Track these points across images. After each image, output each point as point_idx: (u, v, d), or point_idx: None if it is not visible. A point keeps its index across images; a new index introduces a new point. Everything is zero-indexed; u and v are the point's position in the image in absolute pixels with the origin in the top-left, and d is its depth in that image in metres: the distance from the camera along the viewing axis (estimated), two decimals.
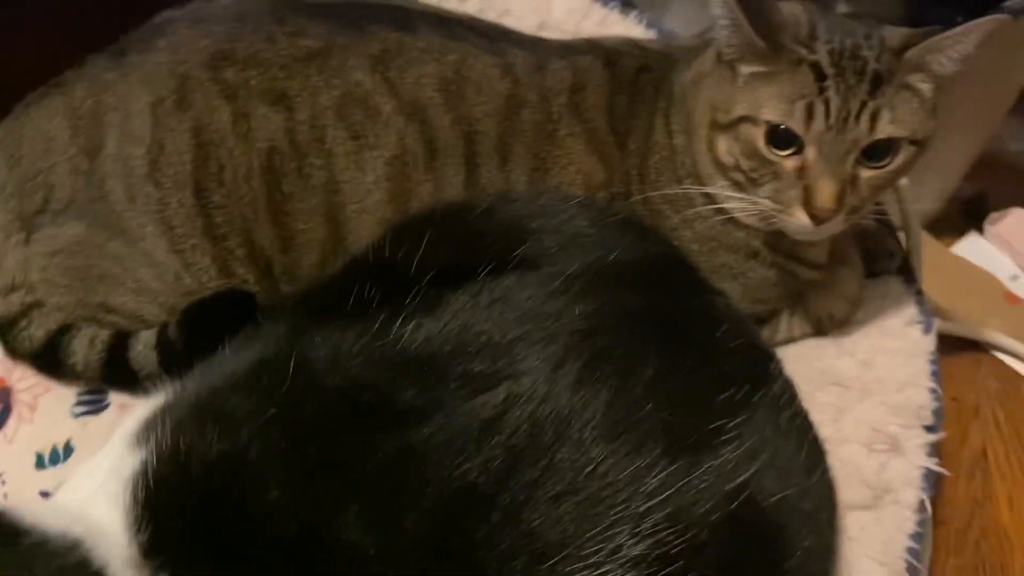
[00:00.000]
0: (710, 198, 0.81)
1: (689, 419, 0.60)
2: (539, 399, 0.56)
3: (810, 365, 0.86)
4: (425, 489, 0.53)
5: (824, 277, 0.89)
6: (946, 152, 1.07)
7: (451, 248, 0.66)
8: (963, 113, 1.03)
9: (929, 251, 1.04)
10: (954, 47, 0.73)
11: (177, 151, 0.77)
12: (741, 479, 0.59)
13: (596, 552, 0.53)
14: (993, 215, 1.25)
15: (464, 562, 0.52)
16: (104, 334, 0.80)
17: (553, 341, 0.59)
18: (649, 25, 1.07)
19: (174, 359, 0.76)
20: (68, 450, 0.78)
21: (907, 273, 0.96)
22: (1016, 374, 1.11)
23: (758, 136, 0.75)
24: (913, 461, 0.80)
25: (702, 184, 0.81)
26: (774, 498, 0.60)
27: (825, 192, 0.73)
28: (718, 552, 0.56)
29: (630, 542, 0.54)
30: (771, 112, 0.74)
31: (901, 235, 0.98)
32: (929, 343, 0.89)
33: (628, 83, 0.86)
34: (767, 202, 0.76)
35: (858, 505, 0.75)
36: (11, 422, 0.79)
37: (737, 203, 0.79)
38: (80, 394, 0.81)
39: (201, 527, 0.53)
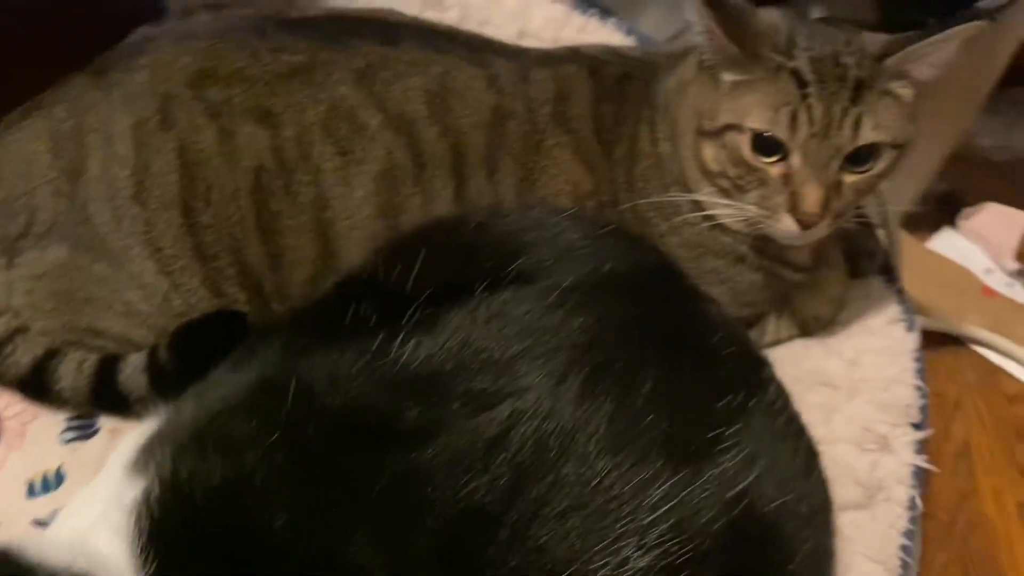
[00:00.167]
0: (697, 205, 0.82)
1: (689, 428, 0.60)
2: (543, 415, 0.56)
3: (798, 366, 0.87)
4: (432, 510, 0.53)
5: (809, 279, 0.90)
6: (921, 151, 1.08)
7: (446, 265, 0.66)
8: (938, 112, 1.04)
9: (905, 247, 1.06)
10: (934, 54, 0.74)
11: (163, 171, 0.76)
12: (741, 486, 0.59)
13: (604, 566, 0.53)
14: (967, 210, 1.28)
15: None
16: (92, 358, 0.79)
17: (553, 356, 0.59)
18: (628, 32, 1.07)
19: (165, 382, 0.75)
20: (59, 477, 0.76)
21: (888, 272, 0.97)
22: (995, 367, 1.14)
23: (744, 144, 0.75)
24: (903, 459, 0.81)
25: (689, 191, 0.82)
26: (774, 504, 0.60)
27: (811, 198, 0.74)
28: (721, 560, 0.57)
29: (636, 554, 0.54)
30: (756, 120, 0.74)
31: (880, 233, 1.00)
32: (912, 341, 0.91)
33: (612, 91, 0.87)
34: (754, 208, 0.77)
35: (852, 504, 0.76)
36: (0, 450, 0.78)
37: (724, 209, 0.80)
38: (69, 419, 0.80)
39: (208, 557, 0.52)
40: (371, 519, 0.52)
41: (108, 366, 0.78)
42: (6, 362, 0.79)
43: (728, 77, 0.77)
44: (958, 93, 1.10)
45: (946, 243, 1.26)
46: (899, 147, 0.77)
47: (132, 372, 0.77)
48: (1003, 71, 1.14)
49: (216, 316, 0.76)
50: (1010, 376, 1.13)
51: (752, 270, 0.85)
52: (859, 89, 0.73)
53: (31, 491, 0.76)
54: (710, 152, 0.79)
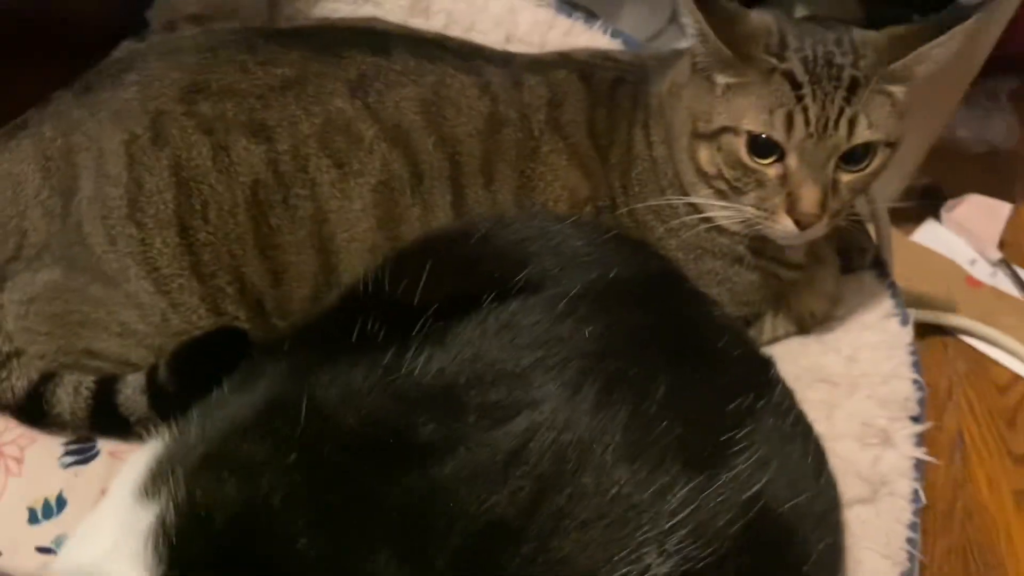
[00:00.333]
0: (694, 207, 0.82)
1: (702, 433, 0.61)
2: (560, 426, 0.56)
3: (797, 364, 0.87)
4: (454, 526, 0.53)
5: (804, 277, 0.91)
6: (906, 145, 1.10)
7: (453, 277, 0.66)
8: (921, 106, 1.06)
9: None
10: (940, 53, 0.75)
11: (157, 189, 0.75)
12: (755, 489, 0.60)
13: (627, 574, 0.54)
14: (949, 202, 1.29)
15: None
16: (89, 380, 0.77)
17: (566, 366, 0.59)
18: (614, 35, 1.07)
19: (166, 402, 0.74)
20: (61, 502, 0.75)
21: (880, 267, 0.98)
22: (983, 356, 1.15)
23: (740, 146, 0.76)
24: (904, 452, 0.82)
25: (685, 194, 0.82)
26: (788, 505, 0.61)
27: (809, 198, 0.74)
28: (740, 563, 0.57)
29: (658, 561, 0.54)
30: (751, 122, 0.75)
31: (869, 228, 1.01)
32: (907, 335, 0.92)
33: (605, 96, 0.87)
34: (751, 209, 0.77)
35: (856, 500, 0.77)
36: None
37: (721, 211, 0.80)
38: (67, 443, 0.78)
39: None
40: (393, 538, 0.52)
41: (106, 388, 0.77)
42: (1, 387, 0.77)
43: (722, 79, 0.77)
44: (941, 86, 1.12)
45: (930, 235, 1.28)
46: (892, 145, 0.77)
47: (131, 393, 0.76)
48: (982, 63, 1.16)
49: (217, 334, 0.75)
50: (999, 365, 1.14)
51: (750, 270, 0.86)
52: (854, 89, 0.74)
53: (33, 518, 0.74)
54: (706, 154, 0.79)
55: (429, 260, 0.66)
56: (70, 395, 0.77)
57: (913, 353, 0.90)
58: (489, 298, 0.64)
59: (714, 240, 0.84)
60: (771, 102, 0.74)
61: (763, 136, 0.74)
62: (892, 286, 0.96)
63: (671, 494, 0.57)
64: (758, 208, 0.77)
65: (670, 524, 0.55)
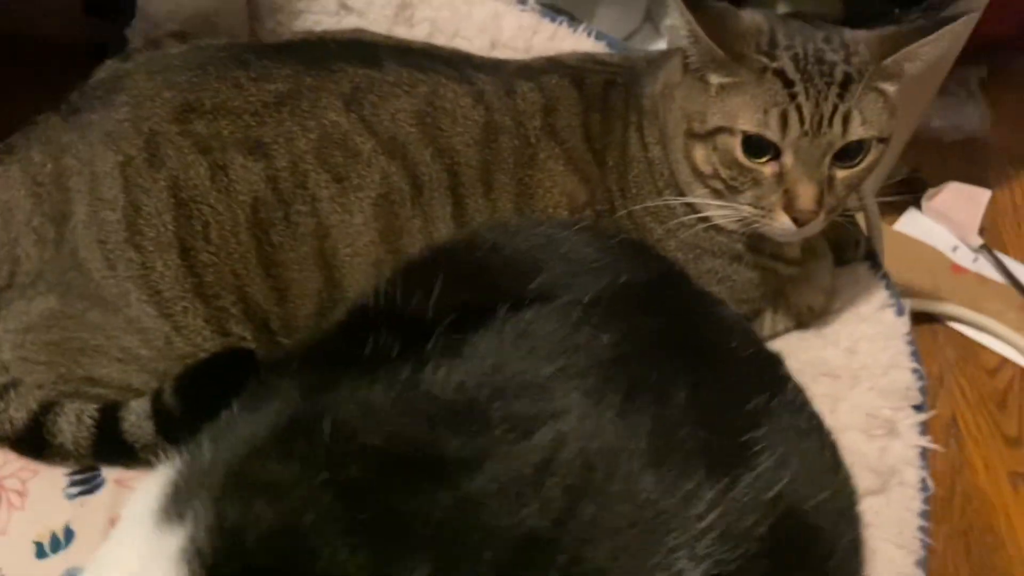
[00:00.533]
0: (691, 207, 0.82)
1: (723, 435, 0.61)
2: (587, 436, 0.56)
3: (798, 359, 0.87)
4: (489, 539, 0.52)
5: (800, 271, 0.92)
6: None
7: (465, 288, 0.65)
8: (901, 99, 1.07)
9: None
10: (930, 51, 0.76)
11: (156, 212, 0.74)
12: (778, 488, 0.60)
13: None
14: (930, 191, 1.31)
15: None
16: (91, 408, 0.76)
17: (588, 374, 0.59)
18: (598, 38, 1.07)
19: (173, 427, 0.73)
20: (69, 534, 0.74)
21: (872, 258, 0.99)
22: (971, 341, 1.17)
23: (735, 146, 0.76)
24: (909, 441, 0.83)
25: (682, 194, 0.83)
26: (811, 502, 0.61)
27: (805, 195, 0.75)
28: (768, 563, 0.57)
29: (690, 566, 0.54)
30: (746, 122, 0.75)
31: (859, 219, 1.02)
32: (903, 325, 0.93)
33: (598, 100, 0.87)
34: (748, 208, 0.78)
35: (868, 491, 0.77)
36: (1, 512, 0.75)
37: (718, 210, 0.81)
38: (71, 474, 0.77)
39: None
40: (430, 554, 0.51)
41: (110, 415, 0.75)
42: None
43: (715, 79, 0.78)
44: (921, 77, 1.13)
45: (912, 224, 1.30)
46: (884, 140, 0.78)
47: (136, 419, 0.75)
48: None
49: (223, 356, 0.74)
50: (987, 349, 1.17)
51: (748, 267, 0.86)
52: (846, 86, 0.74)
53: (40, 552, 0.73)
54: (701, 154, 0.79)
55: (440, 272, 0.65)
56: (72, 424, 0.75)
57: (911, 343, 0.91)
58: (504, 308, 0.63)
59: (712, 239, 0.84)
60: (765, 101, 0.75)
61: (758, 136, 0.75)
62: (885, 277, 0.97)
63: (697, 498, 0.57)
64: (755, 207, 0.77)
65: (699, 528, 0.56)
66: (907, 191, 1.32)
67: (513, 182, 0.82)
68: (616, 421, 0.57)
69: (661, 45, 1.50)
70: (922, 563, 0.76)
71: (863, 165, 0.77)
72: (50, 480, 0.76)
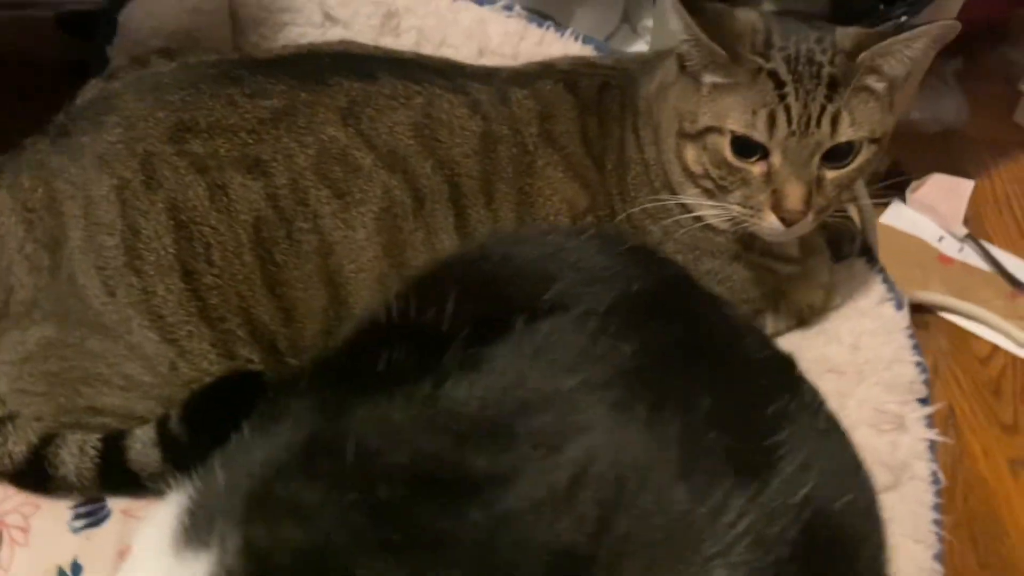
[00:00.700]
0: (685, 207, 0.83)
1: (748, 440, 0.60)
2: (617, 449, 0.55)
3: (803, 357, 0.86)
4: (525, 557, 0.51)
5: (799, 270, 0.92)
6: None
7: (479, 301, 0.64)
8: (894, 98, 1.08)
9: None
10: (903, 51, 0.76)
11: (156, 235, 0.72)
12: (805, 491, 0.60)
13: None
14: (914, 183, 1.32)
15: None
16: (93, 438, 0.74)
17: (611, 386, 0.58)
18: (585, 41, 1.07)
19: (181, 453, 0.71)
20: (77, 569, 0.72)
21: (868, 253, 1.00)
22: (963, 331, 1.18)
23: (724, 145, 0.76)
24: (917, 435, 0.84)
25: (674, 193, 0.82)
26: (837, 504, 0.61)
27: (793, 195, 0.75)
28: (800, 567, 0.57)
29: (725, 575, 0.54)
30: (735, 122, 0.75)
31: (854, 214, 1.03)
32: (903, 318, 0.94)
33: (593, 103, 0.87)
34: (738, 208, 0.78)
35: (883, 488, 0.77)
36: (3, 550, 0.72)
37: (709, 210, 0.81)
38: (75, 506, 0.75)
39: None
40: (466, 573, 0.50)
41: (114, 445, 0.74)
42: None
43: (708, 79, 0.78)
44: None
45: (897, 217, 1.30)
46: (877, 140, 0.78)
47: (142, 448, 0.73)
48: None
49: (230, 379, 0.73)
50: (978, 337, 1.18)
51: (748, 267, 0.87)
52: (833, 86, 0.74)
53: None
54: (692, 154, 0.79)
55: (454, 284, 0.64)
56: (75, 456, 0.73)
57: (911, 336, 0.92)
58: (520, 320, 0.63)
59: (711, 239, 0.84)
60: (755, 102, 0.75)
61: (745, 136, 0.75)
62: (882, 271, 0.98)
63: (728, 506, 0.56)
64: (744, 206, 0.78)
65: (732, 536, 0.55)
66: (891, 183, 1.33)
67: (513, 191, 0.82)
68: (644, 432, 0.56)
69: (639, 46, 1.50)
70: (939, 557, 0.76)
71: (854, 166, 0.77)
72: (53, 514, 0.74)
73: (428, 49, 1.03)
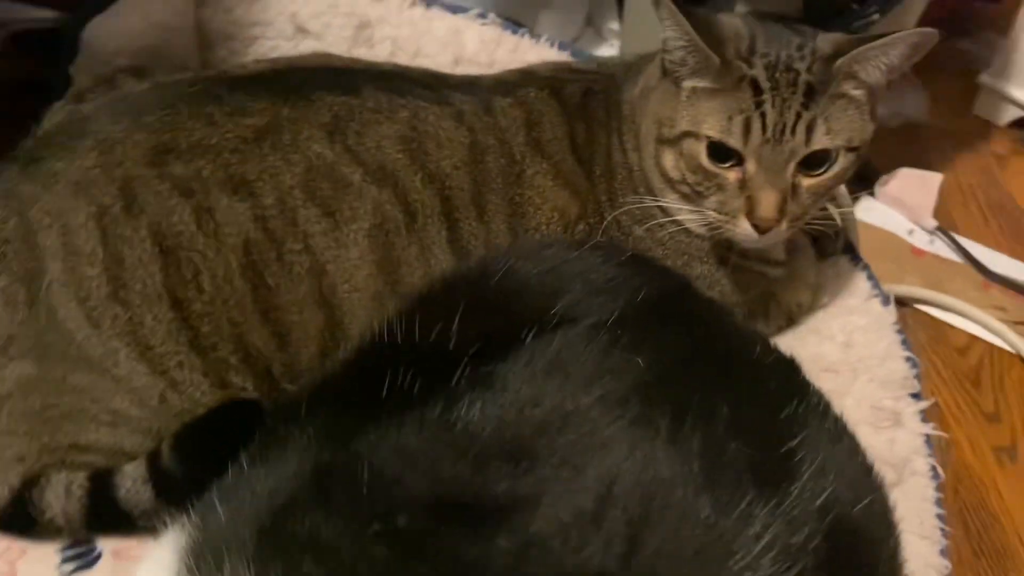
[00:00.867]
0: (665, 211, 0.82)
1: (766, 449, 0.60)
2: (641, 465, 0.54)
3: (798, 357, 0.87)
4: None
5: (786, 271, 0.92)
6: None
7: (485, 318, 0.63)
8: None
9: None
10: (880, 57, 0.75)
11: (140, 262, 0.69)
12: (824, 497, 0.59)
13: None
14: (882, 177, 1.34)
15: None
16: (80, 477, 0.71)
17: (630, 401, 0.57)
18: (561, 47, 1.06)
19: (175, 489, 0.69)
20: None
21: (850, 250, 1.01)
22: (941, 322, 1.20)
23: (700, 151, 0.76)
24: (914, 430, 0.85)
25: (656, 198, 0.82)
26: (856, 507, 0.61)
27: (766, 203, 0.74)
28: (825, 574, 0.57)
29: None
30: (710, 128, 0.75)
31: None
32: (890, 314, 0.95)
33: (579, 109, 0.86)
34: (713, 214, 0.78)
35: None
36: None
37: (687, 215, 0.81)
38: (64, 548, 0.72)
39: None
40: None
41: (102, 483, 0.70)
42: None
43: (690, 84, 0.77)
44: None
45: (868, 211, 1.31)
46: (855, 149, 0.78)
47: (133, 485, 0.70)
48: None
49: (224, 408, 0.70)
50: (955, 328, 1.19)
51: (736, 271, 0.86)
52: (811, 94, 0.74)
53: None
54: (670, 159, 0.79)
55: (459, 303, 0.62)
56: (61, 498, 0.70)
57: (900, 331, 0.93)
58: (530, 335, 0.61)
59: (697, 245, 0.84)
60: (731, 108, 0.75)
61: (721, 142, 0.75)
62: (866, 268, 0.99)
63: (753, 517, 0.55)
64: (719, 212, 0.77)
65: (759, 547, 0.54)
66: (860, 179, 1.35)
67: (504, 202, 0.80)
68: (667, 447, 0.55)
69: (606, 49, 1.50)
70: (945, 552, 0.76)
71: (830, 174, 0.77)
72: (41, 559, 0.71)
73: (403, 59, 1.01)
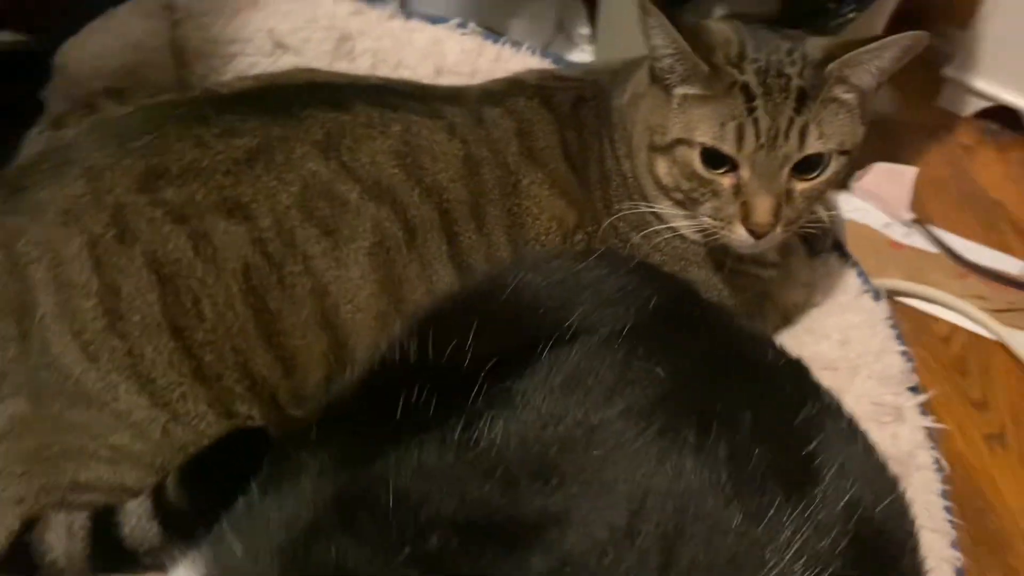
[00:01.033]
0: (660, 217, 0.82)
1: (788, 453, 0.60)
2: (670, 477, 0.54)
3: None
4: None
5: (780, 272, 0.92)
6: None
7: (499, 334, 0.62)
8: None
9: None
10: (872, 61, 0.76)
11: (138, 292, 0.67)
12: (846, 499, 0.59)
13: None
14: (857, 172, 1.35)
15: None
16: (81, 517, 0.68)
17: (654, 412, 0.57)
18: (543, 56, 1.06)
19: (183, 524, 0.66)
20: None
21: (839, 248, 1.01)
22: (922, 313, 1.21)
23: (694, 157, 0.76)
24: (915, 424, 0.85)
25: (650, 204, 0.82)
26: (877, 508, 0.61)
27: (762, 208, 0.74)
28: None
29: None
30: (703, 134, 0.75)
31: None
32: (882, 309, 0.95)
33: (570, 117, 0.85)
34: (708, 220, 0.78)
35: None
36: None
37: (682, 221, 0.81)
38: None
39: None
40: None
41: (105, 521, 0.68)
42: None
43: (680, 91, 0.77)
44: None
45: (844, 207, 1.33)
46: (847, 152, 0.78)
47: (138, 522, 0.68)
48: None
49: (230, 438, 0.68)
50: (937, 319, 1.21)
51: (733, 275, 0.86)
52: (802, 98, 0.74)
53: None
54: (663, 167, 0.79)
55: (474, 318, 0.62)
56: (63, 539, 0.68)
57: (894, 326, 0.94)
58: (545, 349, 0.61)
59: (693, 250, 0.84)
60: (724, 115, 0.74)
61: (714, 148, 0.74)
62: (856, 265, 1.00)
63: (781, 523, 0.55)
64: (714, 218, 0.77)
65: (790, 553, 0.54)
66: None
67: (503, 213, 0.80)
68: (695, 457, 0.55)
69: (577, 54, 1.50)
70: (955, 544, 0.77)
71: (823, 178, 0.77)
72: None
73: (384, 71, 1.00)
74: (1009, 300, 1.22)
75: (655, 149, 0.79)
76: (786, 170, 0.75)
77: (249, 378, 0.69)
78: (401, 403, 0.60)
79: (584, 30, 1.52)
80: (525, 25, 1.50)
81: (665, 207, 0.81)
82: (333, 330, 0.71)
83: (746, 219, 0.75)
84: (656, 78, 0.79)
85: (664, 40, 0.75)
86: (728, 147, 0.74)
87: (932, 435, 0.85)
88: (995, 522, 0.99)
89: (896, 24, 1.32)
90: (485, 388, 0.59)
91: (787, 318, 0.94)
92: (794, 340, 0.91)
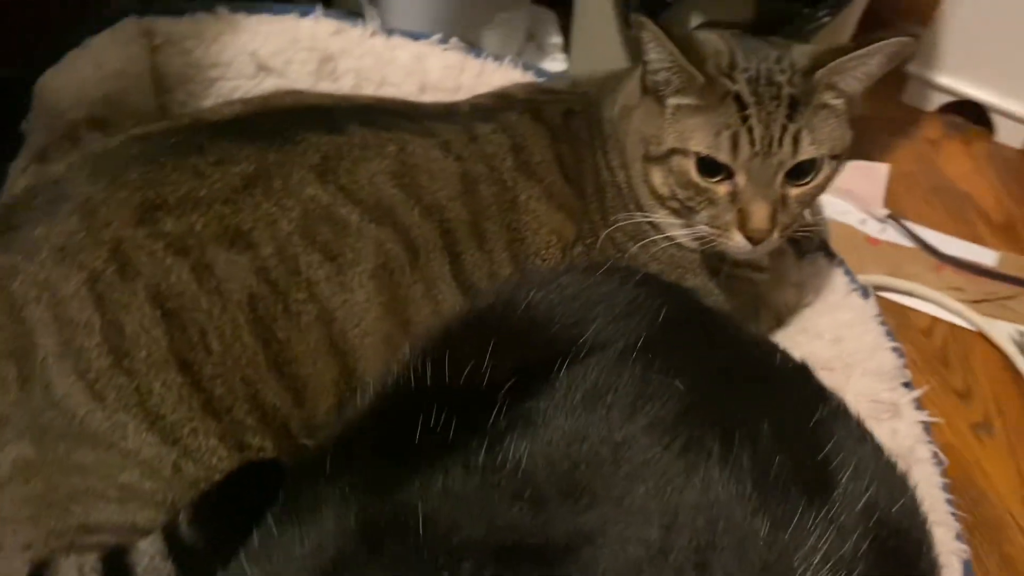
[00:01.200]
0: (656, 227, 0.83)
1: (806, 458, 0.61)
2: (699, 489, 0.54)
3: None
4: None
5: (772, 275, 0.94)
6: None
7: (517, 353, 0.62)
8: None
9: None
10: (859, 68, 0.77)
11: (142, 328, 0.65)
12: (864, 500, 0.60)
13: None
14: None
15: None
16: (91, 559, 0.66)
17: (678, 426, 0.57)
18: (526, 69, 1.06)
19: (198, 561, 0.65)
20: None
21: (825, 248, 1.03)
22: (902, 307, 1.24)
23: (689, 167, 0.77)
24: (912, 419, 0.87)
25: (646, 214, 0.83)
26: (894, 507, 0.62)
27: (758, 214, 0.75)
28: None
29: None
30: (699, 144, 0.76)
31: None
32: (871, 307, 0.97)
33: (563, 130, 0.86)
34: (705, 228, 0.78)
35: None
36: None
37: (679, 230, 0.82)
38: None
39: None
40: None
41: (116, 563, 0.66)
42: None
43: (673, 101, 0.78)
44: None
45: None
46: (838, 156, 0.80)
47: (151, 562, 0.66)
48: None
49: (243, 471, 0.67)
50: (917, 312, 1.23)
51: (727, 280, 0.87)
52: (794, 106, 0.75)
53: None
54: (659, 177, 0.79)
55: (490, 337, 0.61)
56: None
57: (883, 323, 0.95)
58: (563, 367, 0.61)
59: (691, 258, 0.85)
60: (718, 124, 0.75)
61: (710, 157, 0.75)
62: (842, 263, 1.01)
63: (805, 529, 0.56)
64: (711, 226, 0.78)
65: (817, 559, 0.55)
66: None
67: (503, 229, 0.80)
68: (721, 469, 0.56)
69: (549, 63, 1.51)
70: (960, 536, 0.78)
71: (816, 182, 0.79)
72: None
73: (368, 90, 1.00)
74: (985, 290, 1.25)
75: (650, 159, 0.80)
76: (780, 176, 0.76)
77: (260, 409, 0.68)
78: (420, 427, 0.59)
79: (555, 39, 1.53)
80: (497, 36, 1.50)
81: (661, 216, 0.82)
82: (342, 355, 0.70)
83: (743, 226, 0.76)
84: (649, 89, 0.80)
85: (659, 53, 0.76)
86: (724, 156, 0.75)
87: (927, 429, 0.87)
88: (988, 510, 1.01)
89: (860, 23, 1.34)
90: (505, 409, 0.59)
91: (780, 319, 0.95)
92: (789, 340, 0.93)
